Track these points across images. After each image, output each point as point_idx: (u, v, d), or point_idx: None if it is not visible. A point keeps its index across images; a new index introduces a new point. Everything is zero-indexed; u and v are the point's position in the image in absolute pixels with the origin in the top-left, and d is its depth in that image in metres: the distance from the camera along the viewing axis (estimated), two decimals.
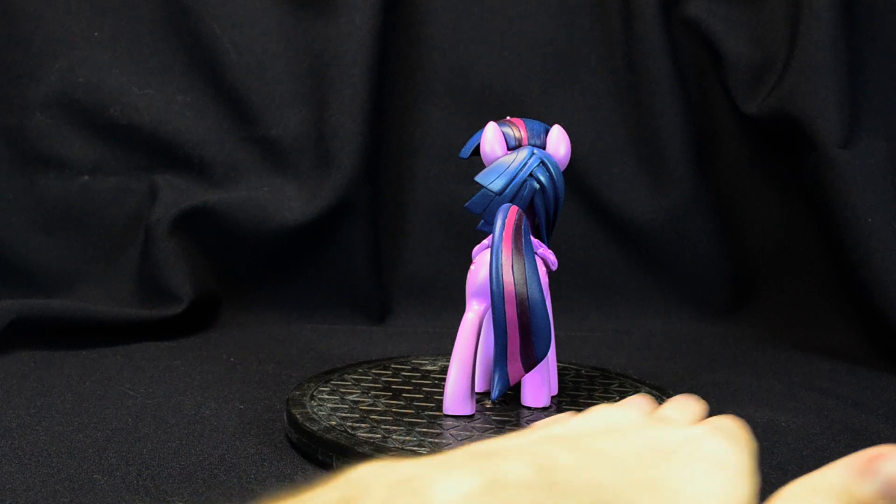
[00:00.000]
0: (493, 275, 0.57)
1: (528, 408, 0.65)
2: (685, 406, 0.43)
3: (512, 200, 0.62)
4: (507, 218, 0.59)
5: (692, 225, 1.04)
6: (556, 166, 0.63)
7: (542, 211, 0.63)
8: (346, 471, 0.30)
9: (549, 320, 0.59)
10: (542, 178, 0.62)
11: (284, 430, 0.64)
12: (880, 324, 0.91)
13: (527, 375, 0.63)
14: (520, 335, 0.58)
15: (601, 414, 0.37)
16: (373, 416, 0.63)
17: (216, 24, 1.01)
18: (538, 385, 0.64)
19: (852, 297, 0.95)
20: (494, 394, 0.60)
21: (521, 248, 0.58)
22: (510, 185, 0.62)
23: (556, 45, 1.05)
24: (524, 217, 0.60)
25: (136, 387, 0.75)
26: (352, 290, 1.02)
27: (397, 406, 0.65)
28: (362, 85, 1.00)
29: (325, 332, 0.96)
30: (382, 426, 0.61)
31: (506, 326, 0.57)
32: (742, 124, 1.02)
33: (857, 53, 0.96)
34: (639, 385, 0.72)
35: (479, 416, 0.64)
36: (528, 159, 0.62)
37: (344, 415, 0.63)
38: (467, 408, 0.63)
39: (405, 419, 0.63)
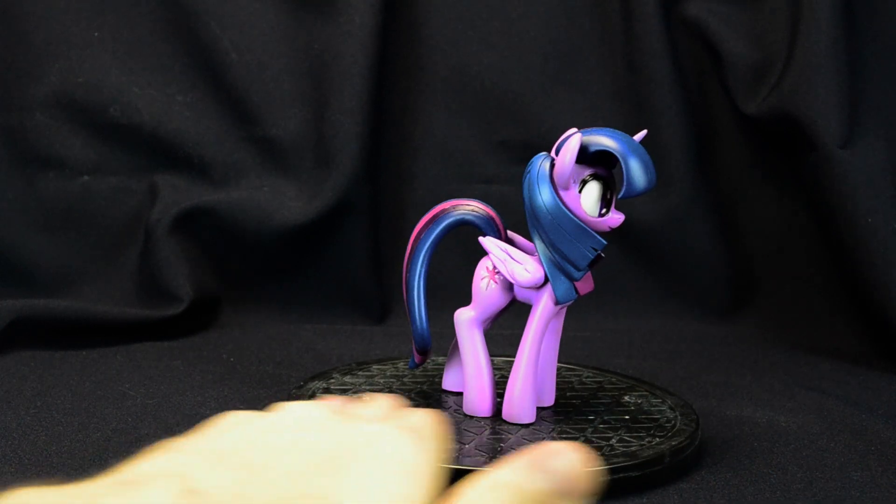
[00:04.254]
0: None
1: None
2: (378, 404, 0.41)
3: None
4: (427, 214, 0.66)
5: (692, 225, 1.04)
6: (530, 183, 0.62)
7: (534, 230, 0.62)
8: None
9: (413, 305, 0.66)
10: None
11: None
12: (880, 324, 0.91)
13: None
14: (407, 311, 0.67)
15: (280, 414, 0.36)
16: None
17: (216, 24, 1.01)
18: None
19: (852, 298, 0.95)
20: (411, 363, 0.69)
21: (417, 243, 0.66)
22: None
23: (556, 45, 1.05)
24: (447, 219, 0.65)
25: (136, 387, 0.75)
26: (352, 290, 1.02)
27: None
28: (362, 85, 1.00)
29: (325, 332, 0.96)
30: None
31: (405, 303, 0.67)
32: (742, 124, 1.02)
33: (857, 53, 0.96)
34: (657, 391, 0.72)
35: (489, 419, 0.64)
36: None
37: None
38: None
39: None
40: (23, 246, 1.01)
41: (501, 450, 0.58)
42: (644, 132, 0.60)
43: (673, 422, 0.64)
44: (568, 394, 0.70)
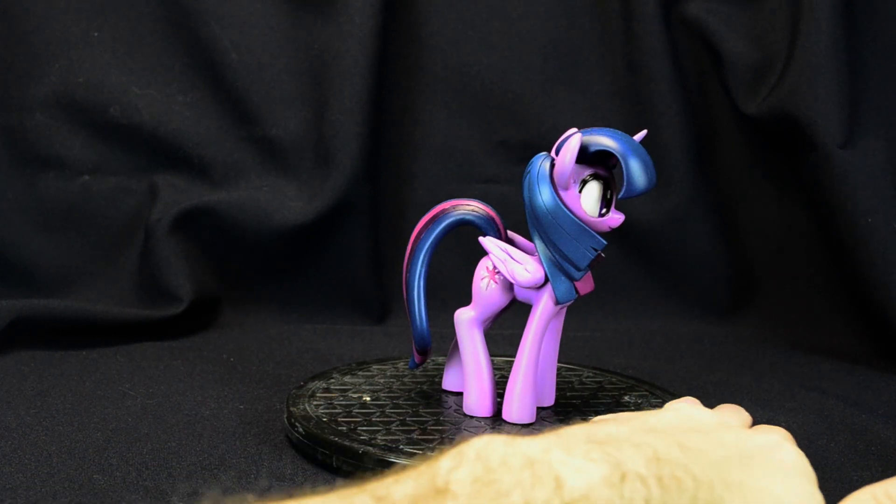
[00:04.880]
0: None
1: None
2: (738, 413, 0.44)
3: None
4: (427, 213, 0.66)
5: (692, 225, 1.04)
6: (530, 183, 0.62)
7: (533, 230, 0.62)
8: (458, 445, 0.30)
9: (413, 305, 0.65)
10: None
11: (284, 430, 0.64)
12: (880, 324, 0.91)
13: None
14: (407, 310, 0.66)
15: (682, 412, 0.39)
16: (373, 416, 0.63)
17: (216, 24, 1.01)
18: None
19: (852, 297, 0.95)
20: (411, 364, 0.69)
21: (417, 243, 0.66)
22: None
23: (556, 45, 1.05)
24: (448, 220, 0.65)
25: (136, 387, 0.75)
26: (352, 290, 1.02)
27: (397, 406, 0.65)
28: (362, 85, 1.00)
29: (325, 332, 0.96)
30: (383, 426, 0.61)
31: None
32: (742, 124, 1.02)
33: (857, 53, 0.96)
34: (660, 391, 0.72)
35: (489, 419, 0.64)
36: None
37: (344, 415, 0.63)
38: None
39: (406, 419, 0.63)
40: (23, 246, 1.01)
41: None
42: (644, 132, 0.60)
43: None
44: (568, 394, 0.70)
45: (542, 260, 0.60)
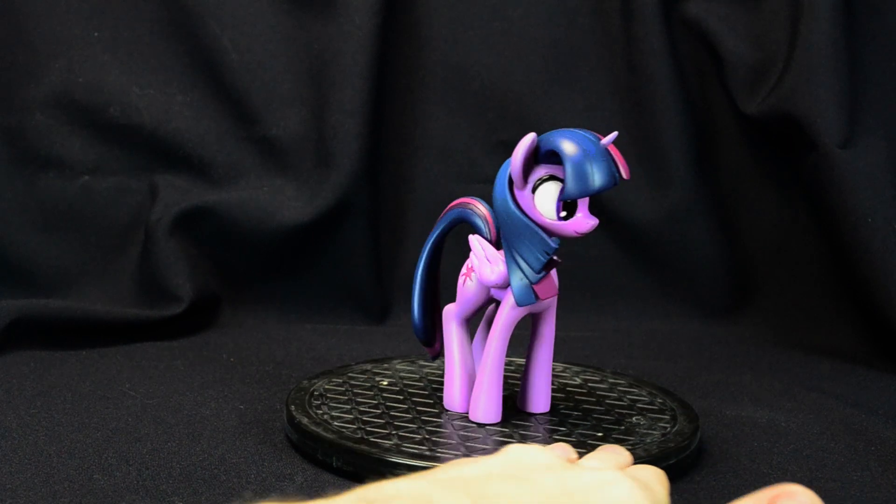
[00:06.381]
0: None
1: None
2: (608, 457, 0.44)
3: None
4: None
5: (692, 225, 1.04)
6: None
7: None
8: None
9: (413, 297, 0.67)
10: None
11: (284, 430, 0.64)
12: (880, 324, 0.90)
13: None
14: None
15: (517, 453, 0.38)
16: (373, 416, 0.63)
17: (216, 23, 1.01)
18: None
19: (852, 298, 0.95)
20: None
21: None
22: None
23: (556, 45, 1.05)
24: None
25: (136, 387, 0.75)
26: (352, 290, 1.02)
27: (397, 406, 0.65)
28: (362, 85, 1.00)
29: (325, 332, 0.96)
30: (383, 426, 0.61)
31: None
32: (742, 124, 1.02)
33: (857, 53, 0.96)
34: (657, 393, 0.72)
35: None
36: None
37: (344, 415, 0.63)
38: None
39: (406, 419, 0.63)
40: (23, 246, 1.01)
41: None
42: (614, 134, 0.58)
43: (673, 422, 0.64)
44: (567, 394, 0.70)
45: (506, 260, 0.60)
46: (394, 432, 0.60)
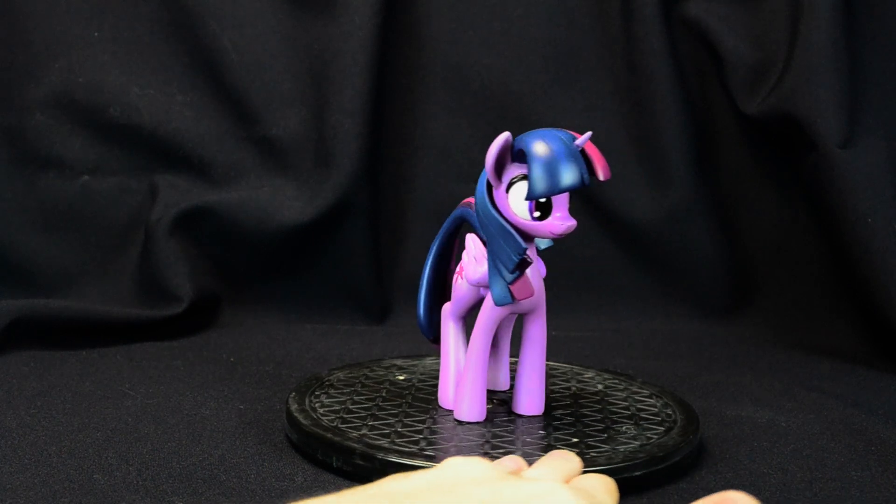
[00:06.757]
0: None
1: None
2: (556, 464, 0.43)
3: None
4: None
5: (692, 225, 1.04)
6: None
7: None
8: None
9: (420, 295, 0.67)
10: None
11: (284, 430, 0.64)
12: (880, 324, 0.90)
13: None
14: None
15: (453, 466, 0.38)
16: (373, 416, 0.63)
17: (216, 23, 1.01)
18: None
19: (852, 298, 0.95)
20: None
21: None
22: None
23: (556, 45, 1.05)
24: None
25: (136, 387, 0.75)
26: (352, 290, 1.02)
27: (397, 406, 0.65)
28: (362, 85, 1.00)
29: (325, 332, 0.96)
30: (383, 426, 0.61)
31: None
32: (742, 124, 1.02)
33: (857, 53, 0.96)
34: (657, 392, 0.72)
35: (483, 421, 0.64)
36: None
37: (344, 415, 0.63)
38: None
39: (406, 419, 0.63)
40: (23, 246, 1.01)
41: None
42: (588, 134, 0.57)
43: (673, 422, 0.64)
44: (567, 394, 0.70)
45: (488, 260, 0.60)
46: (394, 432, 0.60)
